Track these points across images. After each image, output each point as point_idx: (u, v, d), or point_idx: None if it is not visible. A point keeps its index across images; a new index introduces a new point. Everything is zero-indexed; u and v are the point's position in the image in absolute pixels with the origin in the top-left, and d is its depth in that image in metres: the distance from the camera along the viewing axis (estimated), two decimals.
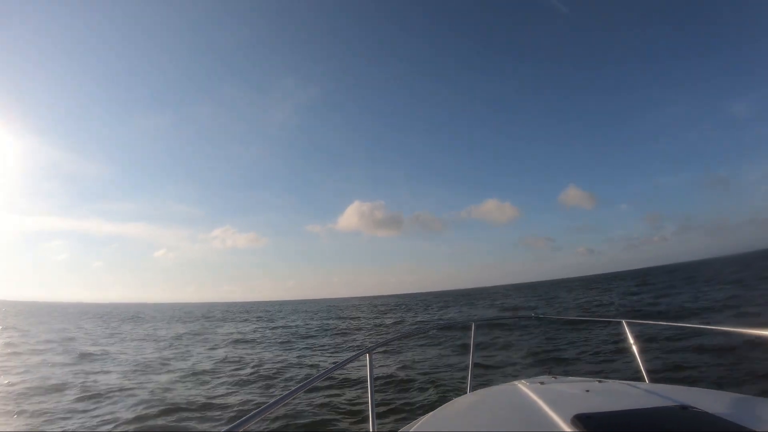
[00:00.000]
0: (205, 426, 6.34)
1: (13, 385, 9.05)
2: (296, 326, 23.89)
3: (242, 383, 8.95)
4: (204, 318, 37.97)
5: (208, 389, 8.45)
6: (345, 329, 20.73)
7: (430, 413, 2.00)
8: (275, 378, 9.43)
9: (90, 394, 8.23)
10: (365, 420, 5.77)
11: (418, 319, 25.79)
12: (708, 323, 2.90)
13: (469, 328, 3.45)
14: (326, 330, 20.84)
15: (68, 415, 6.99)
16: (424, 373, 8.64)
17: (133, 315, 49.31)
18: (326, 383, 7.87)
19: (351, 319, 29.20)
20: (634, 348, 2.90)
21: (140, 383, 9.08)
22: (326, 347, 13.51)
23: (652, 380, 2.61)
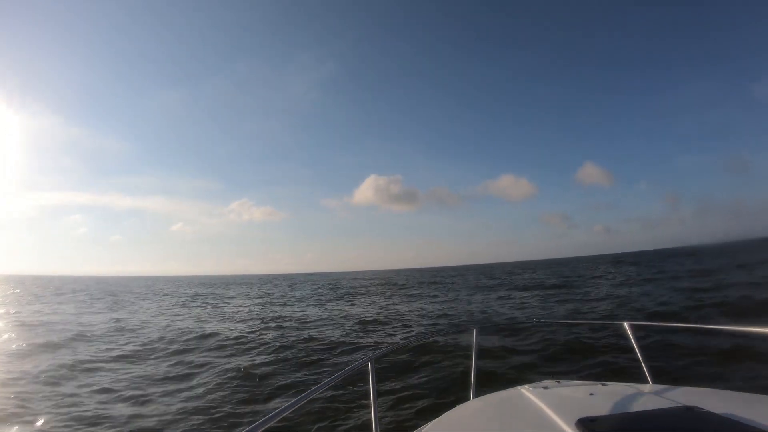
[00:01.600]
0: None
1: None
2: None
3: None
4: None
5: None
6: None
7: (435, 420, 1.99)
8: None
9: None
10: (368, 429, 5.72)
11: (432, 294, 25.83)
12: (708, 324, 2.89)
13: (471, 333, 3.44)
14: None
15: None
16: (428, 378, 8.59)
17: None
18: (327, 392, 7.81)
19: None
20: (637, 350, 2.90)
21: None
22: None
23: (656, 382, 2.61)
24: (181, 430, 6.24)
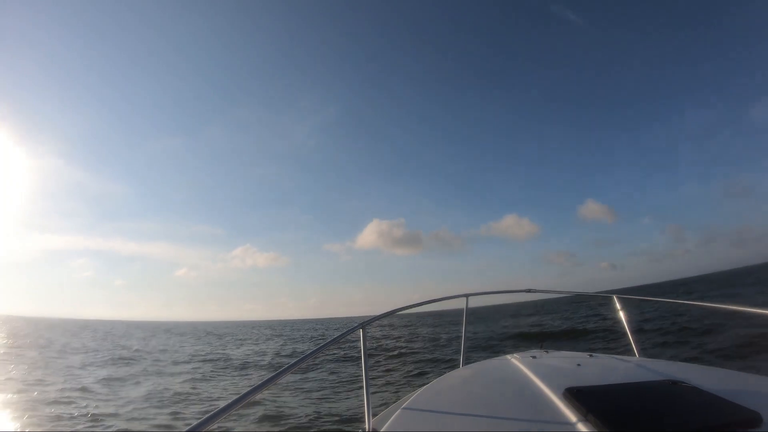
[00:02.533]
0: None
1: None
2: None
3: None
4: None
5: None
6: None
7: (424, 387, 2.02)
8: None
9: None
10: (359, 394, 5.87)
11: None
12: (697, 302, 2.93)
13: (462, 301, 3.45)
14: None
15: None
16: (421, 347, 8.79)
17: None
18: (320, 359, 7.99)
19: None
20: (625, 323, 2.92)
21: None
22: None
23: (643, 355, 2.64)
24: (184, 429, 6.39)
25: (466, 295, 3.46)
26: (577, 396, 1.49)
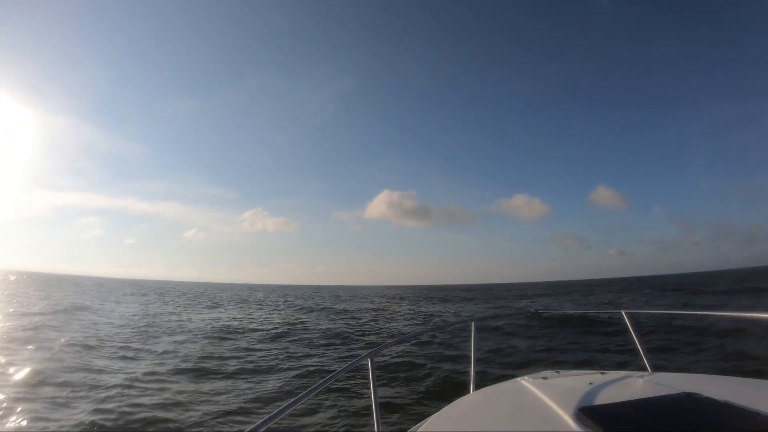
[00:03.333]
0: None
1: None
2: None
3: None
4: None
5: None
6: None
7: (436, 414, 1.99)
8: None
9: None
10: (370, 425, 5.74)
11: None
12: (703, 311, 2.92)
13: (469, 328, 3.43)
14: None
15: None
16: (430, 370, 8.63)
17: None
18: (327, 389, 7.83)
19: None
20: (635, 338, 2.90)
21: None
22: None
23: (655, 369, 2.62)
24: (182, 428, 6.23)
25: (473, 320, 3.46)
26: (591, 415, 1.47)
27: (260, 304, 33.00)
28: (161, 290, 61.64)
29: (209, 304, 32.92)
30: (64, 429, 6.28)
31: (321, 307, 29.15)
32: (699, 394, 1.61)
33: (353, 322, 18.57)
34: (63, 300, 29.00)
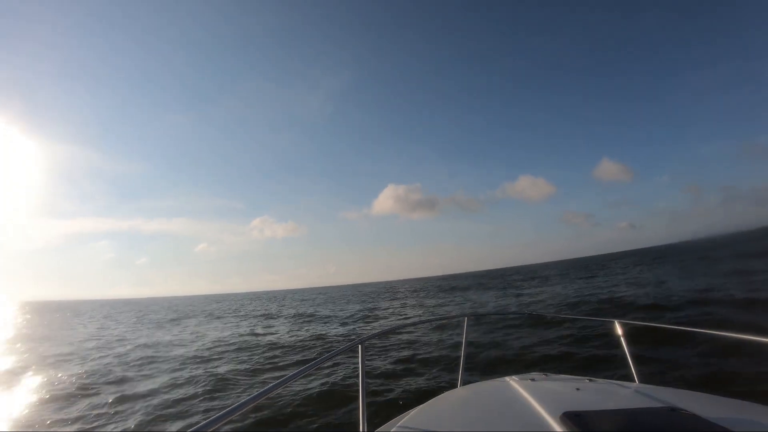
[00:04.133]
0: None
1: None
2: None
3: None
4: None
5: None
6: None
7: (420, 406, 2.01)
8: None
9: None
10: (355, 410, 5.82)
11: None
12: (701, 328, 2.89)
13: (462, 321, 3.45)
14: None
15: None
16: (419, 361, 8.70)
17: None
18: (317, 373, 7.92)
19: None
20: (625, 348, 2.91)
21: None
22: None
23: (642, 381, 2.63)
24: (180, 429, 6.34)
25: (465, 316, 3.47)
26: (575, 420, 1.49)
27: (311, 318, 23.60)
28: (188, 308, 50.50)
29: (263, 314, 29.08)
30: (65, 429, 6.39)
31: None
32: (683, 410, 1.62)
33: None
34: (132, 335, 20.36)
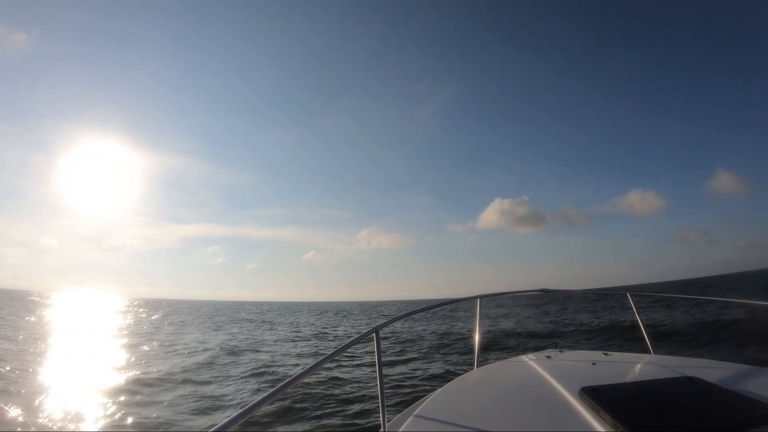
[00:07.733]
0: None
1: None
2: None
3: None
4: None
5: None
6: None
7: (439, 389, 2.04)
8: None
9: None
10: (375, 398, 5.91)
11: None
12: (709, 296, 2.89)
13: (475, 303, 3.45)
14: None
15: None
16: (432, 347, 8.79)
17: None
18: (334, 362, 8.03)
19: None
20: (639, 320, 2.91)
21: None
22: None
23: (658, 352, 2.64)
24: (188, 429, 6.42)
25: (479, 297, 3.47)
26: (593, 395, 1.50)
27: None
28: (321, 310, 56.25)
29: None
30: (69, 429, 6.48)
31: None
32: (700, 378, 1.62)
33: None
34: None
